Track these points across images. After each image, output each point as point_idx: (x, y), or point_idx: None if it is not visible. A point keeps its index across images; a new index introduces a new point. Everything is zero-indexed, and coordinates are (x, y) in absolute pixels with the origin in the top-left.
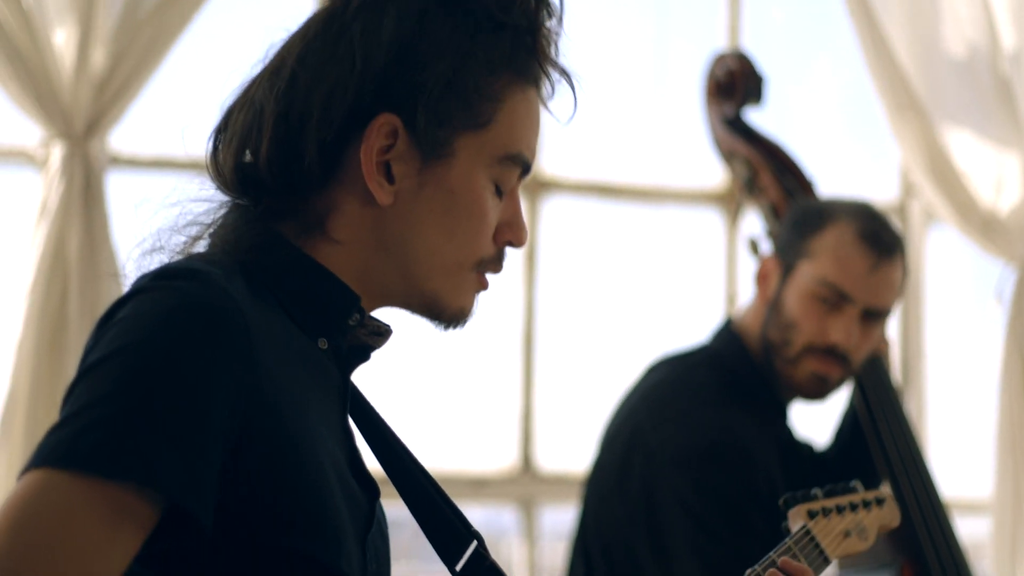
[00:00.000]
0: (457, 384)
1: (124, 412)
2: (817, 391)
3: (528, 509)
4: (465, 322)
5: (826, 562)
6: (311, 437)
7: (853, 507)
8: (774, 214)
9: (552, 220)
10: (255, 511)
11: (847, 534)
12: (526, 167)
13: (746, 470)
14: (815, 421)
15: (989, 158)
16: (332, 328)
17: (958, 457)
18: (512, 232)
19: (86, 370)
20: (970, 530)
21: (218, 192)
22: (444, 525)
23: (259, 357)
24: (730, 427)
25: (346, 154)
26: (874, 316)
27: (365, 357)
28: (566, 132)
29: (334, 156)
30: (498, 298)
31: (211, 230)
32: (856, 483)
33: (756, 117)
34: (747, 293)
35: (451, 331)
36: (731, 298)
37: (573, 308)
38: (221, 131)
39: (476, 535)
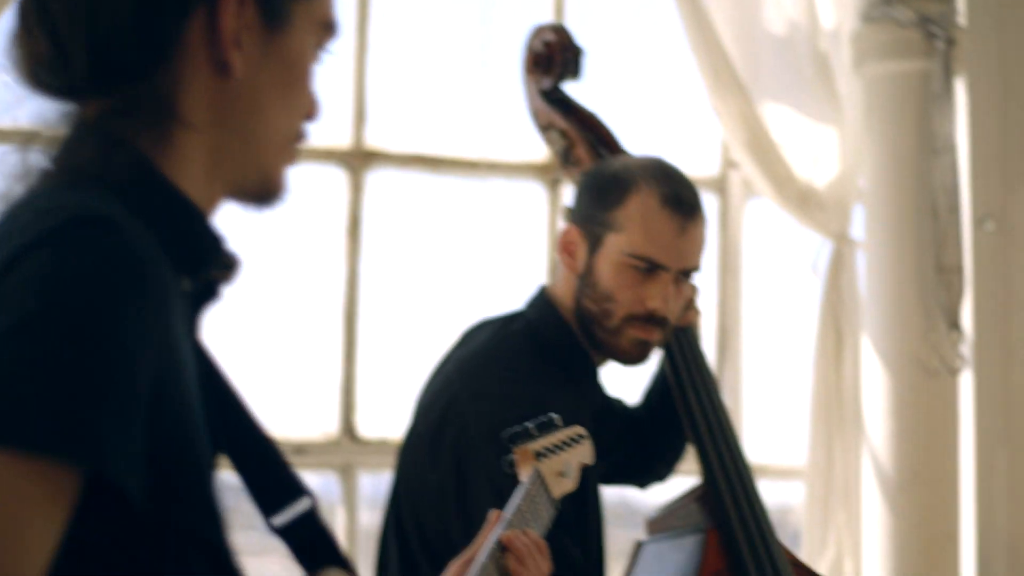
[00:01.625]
0: (279, 351)
1: (38, 379)
2: (639, 356)
3: (348, 475)
4: (283, 199)
5: (555, 506)
6: (194, 399)
7: (565, 445)
8: None
9: (376, 191)
10: (164, 488)
11: (562, 474)
12: (334, 32)
13: None
14: (624, 381)
15: (807, 133)
16: (197, 266)
17: (774, 425)
18: (314, 106)
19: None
20: (786, 496)
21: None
22: (272, 477)
23: (172, 311)
24: (543, 401)
25: (185, 24)
26: (686, 275)
27: (214, 295)
28: (391, 104)
29: (174, 26)
30: (321, 266)
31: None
32: (556, 417)
33: (576, 91)
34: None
35: (269, 210)
36: (554, 268)
37: (396, 278)
38: (27, 27)
39: (309, 494)
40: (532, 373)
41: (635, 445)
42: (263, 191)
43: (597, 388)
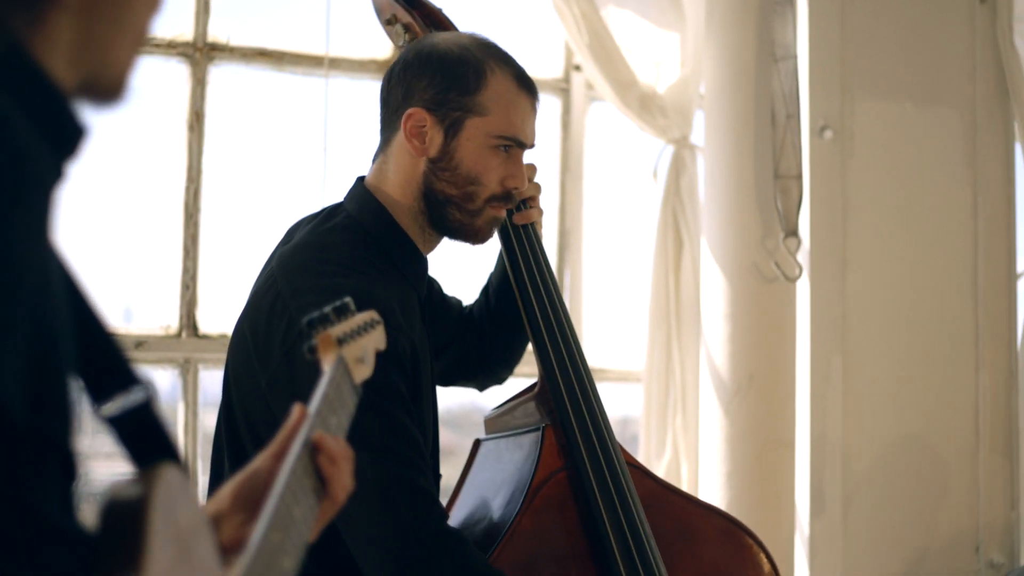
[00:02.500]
0: (119, 245)
1: None
2: (490, 234)
3: (189, 370)
4: (126, 101)
5: (357, 393)
6: (62, 301)
7: (362, 330)
8: None
9: (220, 85)
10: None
11: (361, 360)
12: None
13: (386, 336)
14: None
15: (650, 38)
16: (61, 153)
17: (614, 329)
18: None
19: None
20: (625, 400)
21: None
22: (106, 366)
23: (48, 208)
24: (368, 292)
25: None
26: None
27: (61, 176)
28: None
29: None
30: (163, 160)
31: None
32: (349, 300)
33: None
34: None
35: (113, 109)
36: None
37: (239, 173)
38: None
39: (143, 384)
40: (354, 265)
41: (472, 343)
42: (112, 87)
43: (424, 277)
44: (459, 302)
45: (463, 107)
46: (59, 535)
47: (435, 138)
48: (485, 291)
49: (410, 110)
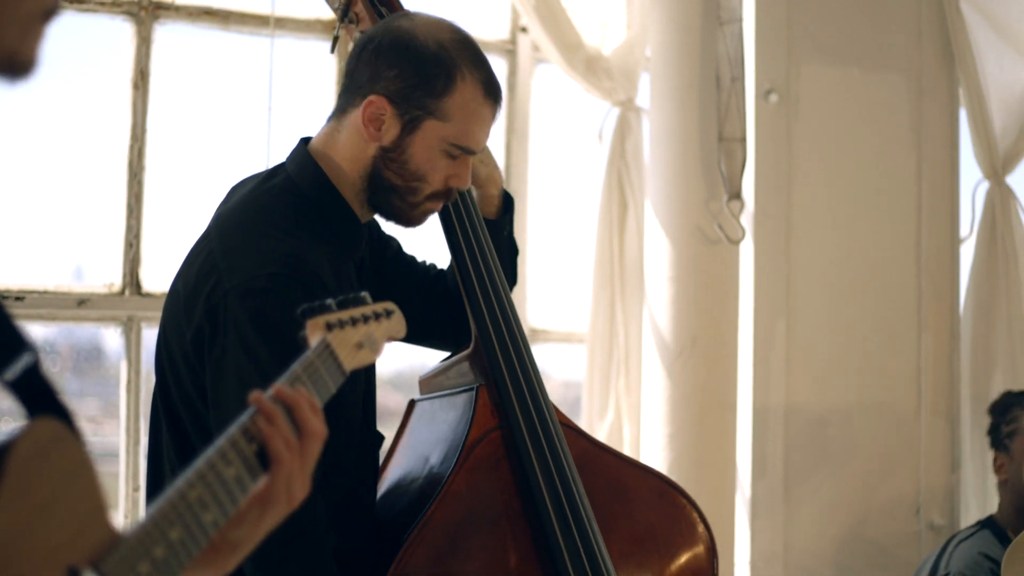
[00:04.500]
0: (63, 204)
1: None
2: (423, 221)
3: (132, 328)
4: (33, 73)
5: (343, 375)
6: None
7: (365, 319)
8: None
9: (165, 44)
10: None
11: (360, 346)
12: None
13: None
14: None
15: (596, 0)
16: None
17: (558, 291)
18: None
19: None
20: (570, 362)
21: None
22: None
23: None
24: (298, 256)
25: None
26: None
27: None
28: None
29: None
30: (107, 119)
31: None
32: (365, 294)
33: None
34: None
35: (17, 84)
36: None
37: (183, 132)
38: None
39: (32, 347)
40: (289, 228)
41: (438, 303)
42: (8, 67)
43: (359, 242)
44: (428, 265)
45: (425, 108)
46: None
47: (391, 129)
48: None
49: (372, 97)
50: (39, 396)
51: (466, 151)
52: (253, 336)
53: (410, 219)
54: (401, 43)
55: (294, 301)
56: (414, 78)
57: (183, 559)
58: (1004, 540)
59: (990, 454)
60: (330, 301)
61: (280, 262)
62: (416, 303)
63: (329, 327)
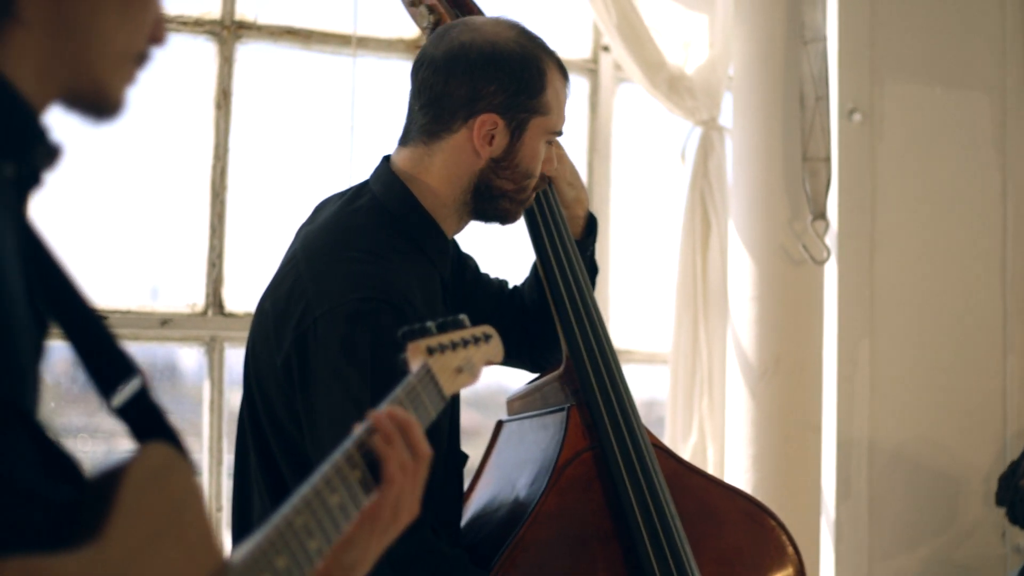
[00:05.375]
0: (147, 224)
1: None
2: (519, 218)
3: (215, 348)
4: (120, 115)
5: (444, 400)
6: (7, 271)
7: (465, 343)
8: None
9: (247, 64)
10: None
11: (460, 370)
12: None
13: (402, 325)
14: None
15: (678, 19)
16: (19, 153)
17: (641, 311)
18: (160, 30)
19: None
20: (652, 382)
21: None
22: (105, 357)
23: None
24: (387, 279)
25: None
26: None
27: (37, 182)
28: None
29: None
30: (190, 138)
31: None
32: (464, 317)
33: None
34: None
35: (105, 124)
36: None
37: (265, 152)
38: None
39: (140, 372)
40: (376, 250)
41: (516, 320)
42: (96, 103)
43: (447, 258)
44: (502, 281)
45: (530, 109)
46: (27, 496)
47: (502, 141)
48: (534, 267)
49: (483, 116)
50: (147, 421)
51: (558, 134)
52: (344, 362)
53: (517, 216)
54: (485, 55)
55: (385, 324)
56: (514, 84)
57: None
58: None
59: None
60: (431, 324)
61: (369, 285)
62: (496, 321)
63: (430, 351)
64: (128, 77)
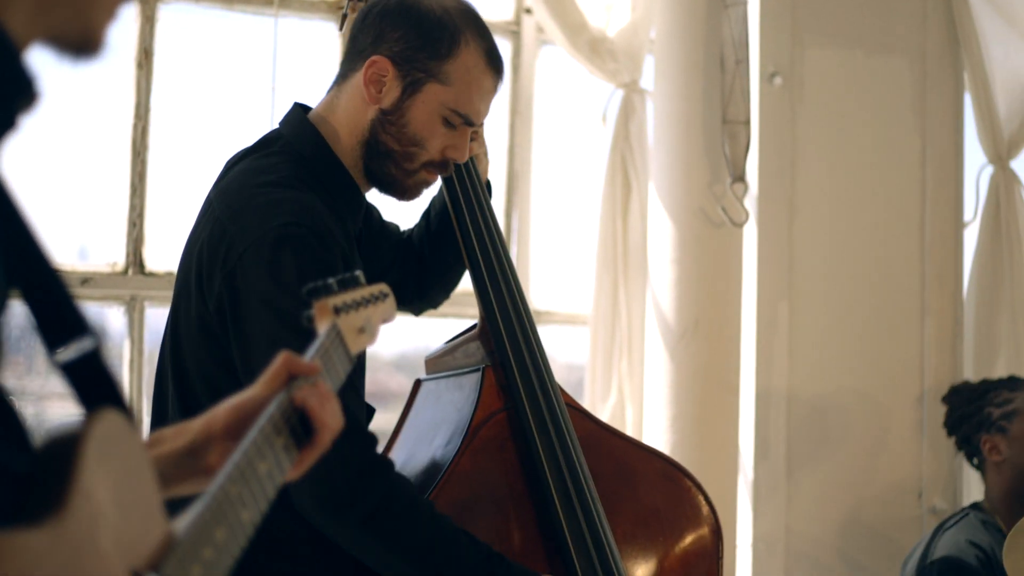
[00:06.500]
0: (66, 183)
1: None
2: (417, 195)
3: (135, 307)
4: (102, 55)
5: (351, 361)
6: None
7: (365, 302)
8: None
9: (169, 23)
10: None
11: (362, 330)
12: None
13: (323, 250)
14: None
15: None
16: (5, 100)
17: (561, 273)
18: None
19: None
20: (573, 344)
21: None
22: (58, 310)
23: None
24: (306, 205)
25: None
26: None
27: (13, 126)
28: None
29: None
30: (111, 98)
31: None
32: (359, 274)
33: None
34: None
35: (85, 63)
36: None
37: (187, 112)
38: None
39: (94, 333)
40: (289, 182)
41: (410, 268)
42: (82, 42)
43: (359, 213)
44: (397, 227)
45: (428, 70)
46: None
47: (392, 91)
48: (426, 214)
49: (375, 57)
50: (96, 384)
51: (465, 120)
52: (272, 287)
53: (405, 189)
54: (405, 6)
55: (309, 246)
56: (417, 40)
57: (226, 560)
58: (989, 526)
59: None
60: (331, 281)
61: (289, 211)
62: (396, 269)
63: (336, 311)
64: (112, 14)
